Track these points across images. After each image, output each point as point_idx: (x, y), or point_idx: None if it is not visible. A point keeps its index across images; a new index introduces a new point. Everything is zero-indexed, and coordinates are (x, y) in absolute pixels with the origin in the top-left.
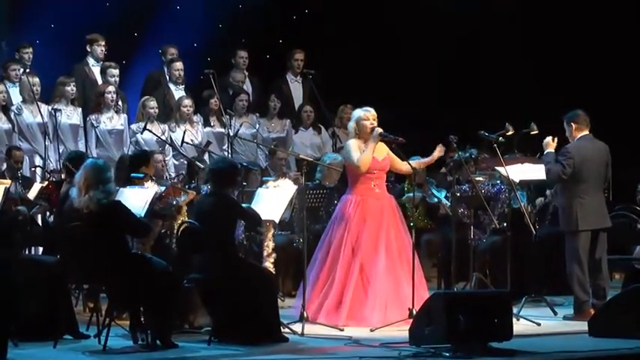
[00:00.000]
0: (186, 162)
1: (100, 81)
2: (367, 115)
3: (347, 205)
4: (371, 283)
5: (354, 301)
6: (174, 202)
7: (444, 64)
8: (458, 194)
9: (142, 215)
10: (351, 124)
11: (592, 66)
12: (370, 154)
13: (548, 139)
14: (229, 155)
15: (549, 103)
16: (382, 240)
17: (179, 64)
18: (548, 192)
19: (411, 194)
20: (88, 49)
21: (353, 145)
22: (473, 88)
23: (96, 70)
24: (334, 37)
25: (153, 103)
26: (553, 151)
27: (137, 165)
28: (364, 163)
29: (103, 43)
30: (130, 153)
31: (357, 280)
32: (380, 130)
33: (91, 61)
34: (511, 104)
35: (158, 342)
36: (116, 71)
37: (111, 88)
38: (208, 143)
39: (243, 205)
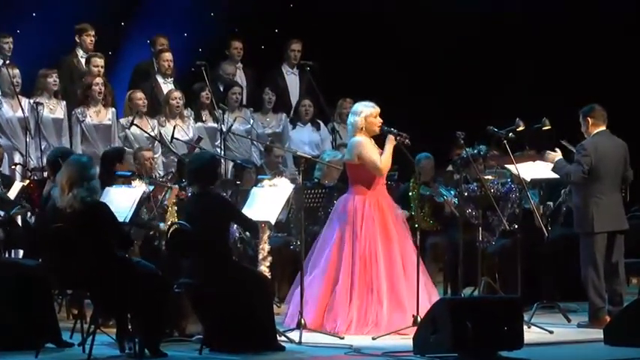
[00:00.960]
0: (176, 159)
1: None
2: (376, 112)
3: (364, 205)
4: (401, 288)
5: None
6: (161, 203)
7: (447, 55)
8: (465, 194)
9: (130, 216)
10: (358, 120)
11: (606, 60)
12: (390, 156)
13: (551, 154)
14: (221, 152)
15: (553, 100)
16: (400, 242)
17: (168, 55)
18: (562, 191)
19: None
20: (77, 40)
21: (369, 144)
22: (476, 83)
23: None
24: (333, 26)
25: (140, 96)
26: (561, 155)
27: (110, 163)
28: (386, 167)
29: (93, 33)
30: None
31: (400, 285)
32: (394, 130)
33: (80, 52)
34: (515, 101)
35: (146, 351)
36: (101, 61)
37: (98, 80)
38: (199, 139)
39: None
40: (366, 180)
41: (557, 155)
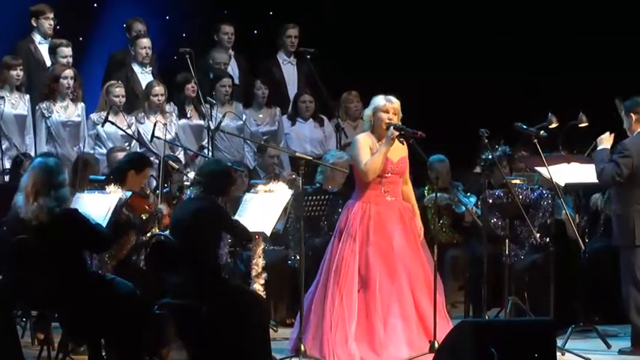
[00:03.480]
0: (157, 161)
1: (48, 62)
2: (388, 106)
3: (349, 213)
4: (377, 315)
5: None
6: (155, 213)
7: (473, 35)
8: (490, 201)
9: (104, 226)
10: (368, 112)
11: None
12: (381, 158)
13: (605, 134)
14: (209, 152)
15: (591, 92)
16: (389, 259)
17: (145, 42)
18: (595, 196)
19: (434, 195)
20: (34, 24)
21: (362, 142)
22: (502, 72)
23: (43, 48)
24: (335, 8)
25: (119, 90)
26: (608, 147)
27: (126, 169)
28: (372, 171)
29: (52, 15)
30: (86, 149)
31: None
32: (395, 132)
33: (37, 37)
34: (547, 94)
35: None
36: (69, 50)
37: (68, 72)
38: (201, 147)
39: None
40: (364, 183)
41: (607, 141)
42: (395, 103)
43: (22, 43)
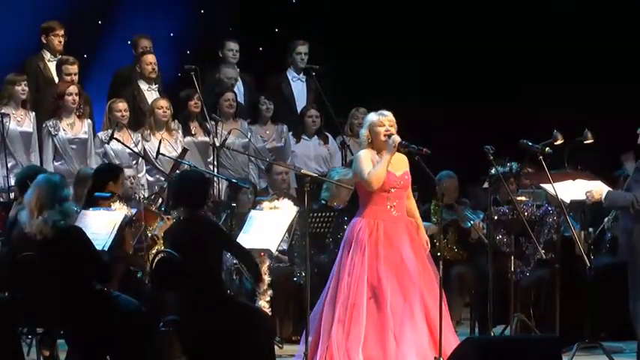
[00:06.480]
0: (162, 178)
1: (57, 79)
2: (382, 120)
3: (356, 229)
4: (389, 328)
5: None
6: (148, 235)
7: (479, 54)
8: (495, 217)
9: (109, 243)
10: (363, 132)
11: None
12: (384, 167)
13: (593, 192)
14: (214, 169)
15: (596, 109)
16: (401, 273)
17: (151, 57)
18: (606, 219)
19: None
20: (44, 41)
21: (364, 156)
22: (510, 86)
23: (52, 66)
24: (343, 24)
25: (121, 106)
26: (604, 186)
27: (103, 182)
28: (376, 179)
29: (62, 32)
30: (93, 166)
31: (375, 322)
32: (398, 138)
33: (47, 54)
34: (552, 111)
35: None
36: (74, 68)
37: (73, 89)
38: (184, 151)
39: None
40: (369, 199)
41: (601, 188)
42: (388, 115)
43: (32, 60)
